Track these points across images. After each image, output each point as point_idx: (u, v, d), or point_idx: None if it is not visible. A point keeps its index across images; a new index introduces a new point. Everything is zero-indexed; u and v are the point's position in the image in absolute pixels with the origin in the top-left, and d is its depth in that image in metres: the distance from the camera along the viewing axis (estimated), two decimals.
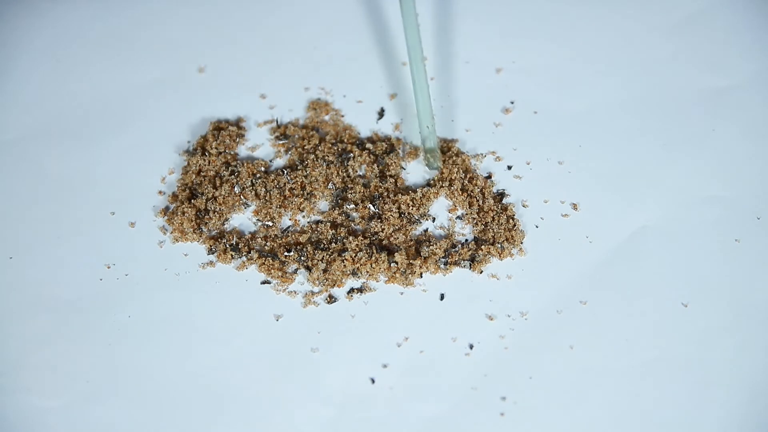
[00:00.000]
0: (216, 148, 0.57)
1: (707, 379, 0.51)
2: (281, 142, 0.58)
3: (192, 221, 0.55)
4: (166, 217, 0.55)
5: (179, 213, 0.55)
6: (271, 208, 0.55)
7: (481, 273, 0.54)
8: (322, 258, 0.53)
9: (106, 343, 0.52)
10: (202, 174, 0.57)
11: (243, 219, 0.56)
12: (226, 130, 0.58)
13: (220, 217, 0.55)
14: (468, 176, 0.56)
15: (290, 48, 0.63)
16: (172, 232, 0.55)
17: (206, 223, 0.55)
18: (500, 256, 0.54)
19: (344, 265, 0.53)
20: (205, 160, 0.57)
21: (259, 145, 0.59)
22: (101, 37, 0.63)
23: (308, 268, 0.53)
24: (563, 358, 0.51)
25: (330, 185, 0.56)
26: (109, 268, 0.54)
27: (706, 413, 0.50)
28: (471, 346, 0.52)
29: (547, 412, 0.50)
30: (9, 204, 0.56)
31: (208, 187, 0.56)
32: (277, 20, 0.64)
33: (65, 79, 0.61)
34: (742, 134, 0.58)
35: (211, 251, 0.54)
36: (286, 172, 0.56)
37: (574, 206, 0.56)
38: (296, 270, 0.53)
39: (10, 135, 0.59)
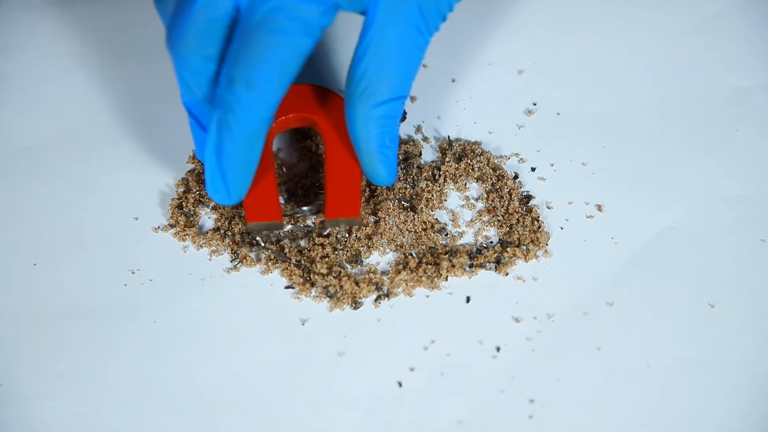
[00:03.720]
0: None
1: (735, 379, 0.50)
2: (300, 145, 0.58)
3: (216, 228, 0.55)
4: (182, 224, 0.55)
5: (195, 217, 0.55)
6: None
7: (506, 275, 0.53)
8: (345, 284, 0.53)
9: (132, 349, 0.52)
10: None
11: None
12: None
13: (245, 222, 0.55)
14: (498, 173, 0.56)
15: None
16: (194, 237, 0.54)
17: (231, 227, 0.55)
18: (525, 258, 0.54)
19: (368, 287, 0.53)
20: None
21: (280, 149, 0.59)
22: (123, 43, 0.63)
23: (331, 296, 0.53)
24: (590, 359, 0.51)
25: None
26: (133, 273, 0.54)
27: (733, 413, 0.50)
28: (498, 349, 0.51)
29: (576, 414, 0.50)
30: (32, 210, 0.56)
31: None
32: None
33: (85, 85, 0.61)
34: (766, 134, 0.58)
35: (235, 256, 0.54)
36: (309, 175, 0.56)
37: (599, 207, 0.56)
38: (319, 294, 0.53)
39: (32, 141, 0.59)
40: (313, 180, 0.56)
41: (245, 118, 0.47)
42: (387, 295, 0.53)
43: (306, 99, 0.54)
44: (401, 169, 0.57)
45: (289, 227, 0.55)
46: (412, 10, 0.48)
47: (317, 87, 0.55)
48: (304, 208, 0.55)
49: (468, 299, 0.53)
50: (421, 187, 0.56)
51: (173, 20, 0.48)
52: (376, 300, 0.53)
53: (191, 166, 0.57)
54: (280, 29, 0.46)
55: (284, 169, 0.57)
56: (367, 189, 0.56)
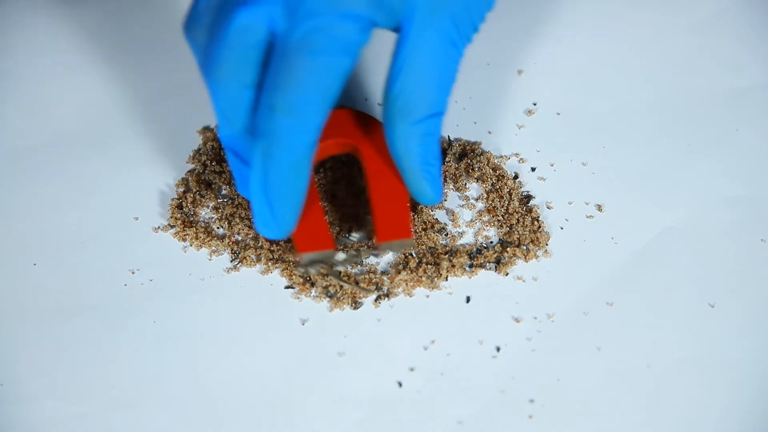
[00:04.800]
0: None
1: (735, 379, 0.50)
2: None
3: (213, 229, 0.55)
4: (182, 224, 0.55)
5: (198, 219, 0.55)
6: None
7: (506, 275, 0.53)
8: (345, 285, 0.53)
9: (132, 349, 0.52)
10: (223, 178, 0.57)
11: None
12: None
13: (245, 221, 0.55)
14: (498, 173, 0.56)
15: None
16: (193, 239, 0.54)
17: (231, 228, 0.55)
18: (526, 258, 0.54)
19: (367, 287, 0.53)
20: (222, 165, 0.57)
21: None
22: (123, 42, 0.63)
23: (331, 296, 0.53)
24: (590, 359, 0.51)
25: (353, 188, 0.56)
26: (133, 273, 0.54)
27: (733, 413, 0.50)
28: (498, 349, 0.51)
29: (576, 414, 0.50)
30: (32, 211, 0.56)
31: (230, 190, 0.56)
32: None
33: (85, 85, 0.61)
34: (766, 134, 0.58)
35: (235, 256, 0.54)
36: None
37: (599, 207, 0.56)
38: (319, 294, 0.53)
39: (32, 141, 0.59)
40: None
41: (289, 145, 0.46)
42: (387, 295, 0.53)
43: (344, 124, 0.53)
44: None
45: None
46: (446, 24, 0.48)
47: (353, 111, 0.53)
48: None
49: (468, 299, 0.53)
50: None
51: (208, 49, 0.47)
52: (376, 300, 0.53)
53: (191, 166, 0.57)
54: (319, 50, 0.45)
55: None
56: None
